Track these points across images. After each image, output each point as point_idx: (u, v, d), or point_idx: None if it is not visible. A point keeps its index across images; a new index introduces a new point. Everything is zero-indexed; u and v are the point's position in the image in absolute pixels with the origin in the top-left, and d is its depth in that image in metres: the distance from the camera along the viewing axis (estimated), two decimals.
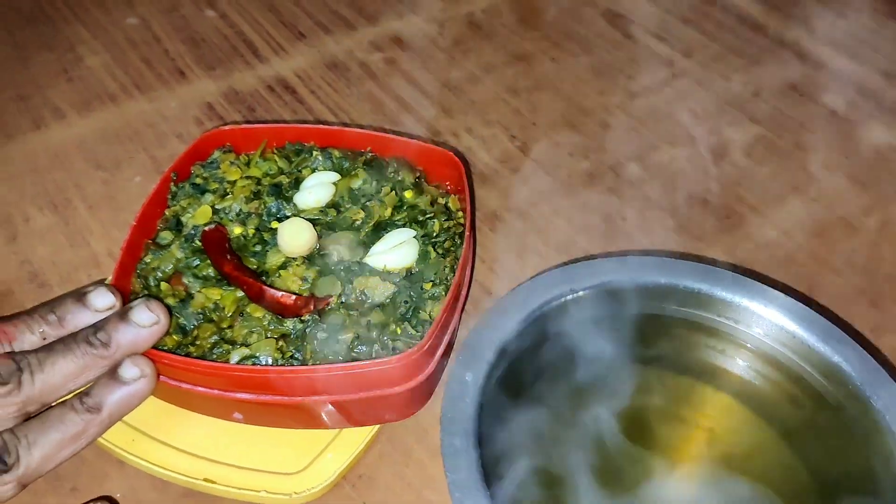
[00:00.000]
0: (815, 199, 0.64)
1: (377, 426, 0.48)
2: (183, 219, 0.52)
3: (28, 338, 0.42)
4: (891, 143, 0.69)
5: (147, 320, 0.42)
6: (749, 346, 0.45)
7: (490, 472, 0.37)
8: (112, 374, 0.42)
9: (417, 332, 0.46)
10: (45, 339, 0.42)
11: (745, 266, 0.58)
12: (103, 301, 0.43)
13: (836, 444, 0.42)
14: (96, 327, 0.42)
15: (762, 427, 0.44)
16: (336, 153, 0.55)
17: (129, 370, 0.42)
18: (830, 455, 0.42)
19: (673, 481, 0.44)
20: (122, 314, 0.42)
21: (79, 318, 0.43)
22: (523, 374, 0.43)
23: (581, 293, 0.44)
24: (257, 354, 0.45)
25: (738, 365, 0.45)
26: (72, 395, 0.42)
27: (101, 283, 0.45)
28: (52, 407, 0.41)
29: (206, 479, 0.44)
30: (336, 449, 0.46)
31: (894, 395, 0.39)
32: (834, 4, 0.82)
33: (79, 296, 0.43)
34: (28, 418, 0.41)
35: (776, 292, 0.44)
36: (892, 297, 0.57)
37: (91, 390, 0.41)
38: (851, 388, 0.40)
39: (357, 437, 0.47)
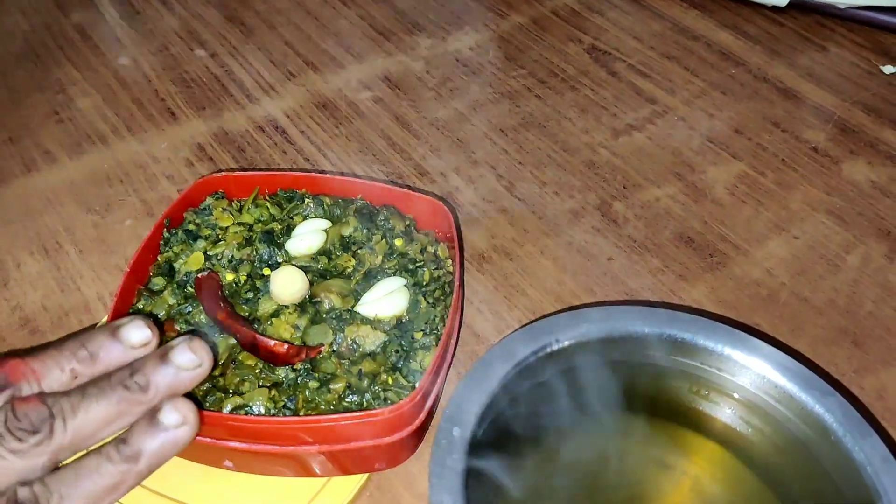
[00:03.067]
0: (798, 237, 0.65)
1: (367, 474, 0.48)
2: (175, 265, 0.53)
3: (56, 375, 0.38)
4: (871, 178, 0.70)
5: (189, 363, 0.39)
6: (733, 394, 0.46)
7: None
8: (151, 419, 0.38)
9: (409, 381, 0.46)
10: (75, 377, 0.39)
11: (728, 306, 0.59)
12: (139, 336, 0.39)
13: (819, 493, 0.43)
14: (133, 369, 0.38)
15: (746, 474, 0.45)
16: (327, 200, 0.55)
17: (170, 416, 0.38)
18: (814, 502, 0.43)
19: None
20: (162, 355, 0.39)
21: (112, 355, 0.39)
22: (511, 425, 0.43)
23: (566, 343, 0.45)
24: (250, 404, 0.46)
25: (723, 412, 0.46)
26: (105, 441, 0.39)
27: (136, 315, 0.41)
28: (86, 454, 0.38)
29: None
30: (325, 497, 0.47)
31: (875, 446, 0.40)
32: (816, 40, 0.84)
33: (112, 329, 0.40)
34: (58, 465, 0.38)
35: (759, 341, 0.45)
36: (874, 336, 0.58)
37: (129, 438, 0.38)
38: (834, 440, 0.41)
39: (346, 486, 0.47)
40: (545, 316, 0.48)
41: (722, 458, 0.46)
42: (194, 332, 0.47)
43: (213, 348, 0.42)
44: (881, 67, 0.81)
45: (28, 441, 0.36)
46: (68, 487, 0.36)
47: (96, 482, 0.36)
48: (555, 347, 0.45)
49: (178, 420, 0.38)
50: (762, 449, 0.45)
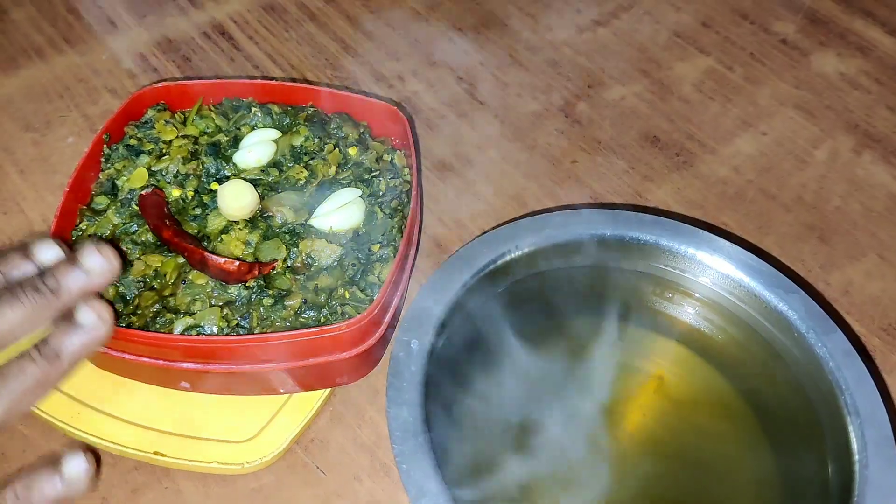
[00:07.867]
0: (765, 133, 0.63)
1: (329, 389, 0.47)
2: (118, 182, 0.50)
3: None
4: (840, 71, 0.68)
5: (97, 265, 0.40)
6: (697, 294, 0.45)
7: (439, 444, 0.37)
8: (69, 319, 0.40)
9: (366, 295, 0.45)
10: None
11: (695, 206, 0.58)
12: (49, 254, 0.41)
13: (782, 388, 0.42)
14: (44, 274, 0.40)
15: (711, 374, 0.45)
16: (276, 109, 0.53)
17: (86, 315, 0.40)
18: (777, 399, 0.43)
19: (623, 430, 0.45)
20: (72, 259, 0.40)
21: (24, 273, 0.40)
22: (473, 334, 0.42)
23: (527, 249, 0.43)
24: (202, 324, 0.44)
25: (687, 313, 0.46)
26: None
27: (45, 236, 0.42)
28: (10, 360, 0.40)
29: (155, 453, 0.44)
30: (287, 414, 0.46)
31: (838, 341, 0.40)
32: None
33: (24, 249, 0.41)
34: None
35: (722, 240, 0.44)
36: (841, 231, 0.57)
37: (49, 338, 0.40)
38: (797, 336, 0.41)
39: (308, 401, 0.46)
40: (507, 222, 0.47)
41: (686, 359, 0.46)
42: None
43: (122, 253, 0.45)
44: None
45: None
46: None
47: (21, 381, 0.38)
48: (516, 254, 0.43)
49: (94, 319, 0.40)
50: (726, 348, 0.45)
